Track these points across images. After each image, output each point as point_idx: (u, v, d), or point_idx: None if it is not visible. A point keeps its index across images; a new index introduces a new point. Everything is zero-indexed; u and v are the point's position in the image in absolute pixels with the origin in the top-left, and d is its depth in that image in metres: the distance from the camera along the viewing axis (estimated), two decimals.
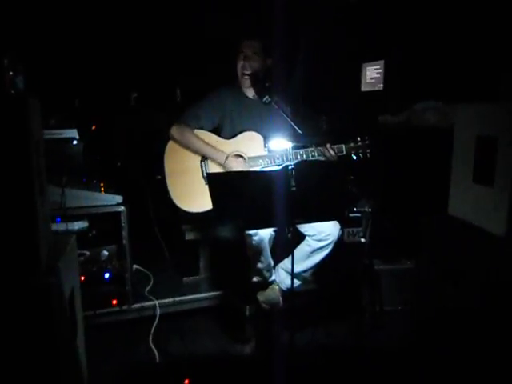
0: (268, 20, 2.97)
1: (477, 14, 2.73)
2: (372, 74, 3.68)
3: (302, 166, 1.79)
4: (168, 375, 2.27)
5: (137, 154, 3.75)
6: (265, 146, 2.62)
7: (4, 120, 1.37)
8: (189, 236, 2.90)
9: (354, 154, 2.52)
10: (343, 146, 2.54)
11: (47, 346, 1.44)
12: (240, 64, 2.67)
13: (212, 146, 2.63)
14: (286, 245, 2.44)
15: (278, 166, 2.54)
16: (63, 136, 2.83)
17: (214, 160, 2.63)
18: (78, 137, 2.89)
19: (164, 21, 3.87)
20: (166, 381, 2.23)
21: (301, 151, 2.53)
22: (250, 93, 2.73)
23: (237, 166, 2.60)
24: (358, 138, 2.55)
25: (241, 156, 2.66)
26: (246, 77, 2.66)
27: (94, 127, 3.76)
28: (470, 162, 1.93)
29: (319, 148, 2.50)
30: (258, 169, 2.59)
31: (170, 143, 2.66)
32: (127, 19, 3.74)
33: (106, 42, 3.72)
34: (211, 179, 1.75)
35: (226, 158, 2.60)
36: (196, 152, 2.64)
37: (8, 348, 1.41)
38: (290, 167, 1.71)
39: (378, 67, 3.60)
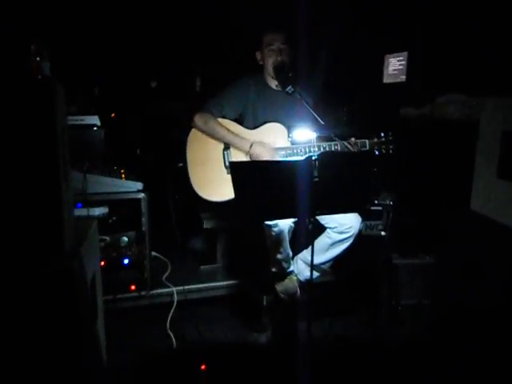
0: (291, 10, 2.95)
1: (505, 3, 2.67)
2: (395, 66, 3.62)
3: (326, 157, 1.77)
4: (184, 360, 2.30)
5: (156, 142, 3.77)
6: (288, 137, 2.61)
7: (32, 104, 1.39)
8: (207, 224, 2.91)
9: (377, 150, 2.50)
10: (367, 141, 2.52)
11: (70, 329, 1.47)
12: (271, 60, 2.64)
13: (236, 134, 2.61)
14: (306, 236, 2.43)
15: (301, 157, 2.52)
16: (85, 122, 2.87)
17: (238, 148, 2.62)
18: (99, 123, 2.92)
19: (184, 9, 3.86)
20: (182, 366, 2.26)
21: (324, 144, 2.51)
22: (273, 83, 2.71)
23: (262, 151, 2.57)
24: (382, 134, 2.52)
25: None
26: (275, 68, 2.63)
27: (113, 115, 3.79)
28: (495, 157, 1.90)
29: (343, 142, 2.48)
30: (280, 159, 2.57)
31: (193, 131, 2.65)
32: (149, 7, 3.74)
33: (127, 30, 3.73)
34: (234, 168, 1.75)
35: (251, 145, 2.58)
36: (220, 140, 2.63)
37: (32, 329, 1.44)
38: (313, 157, 1.71)
39: (402, 58, 3.54)
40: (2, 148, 1.36)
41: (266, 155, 2.57)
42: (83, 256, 1.60)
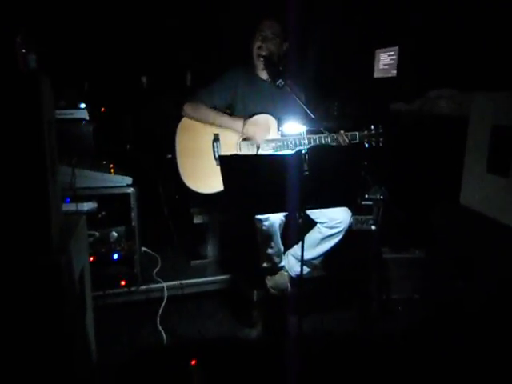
0: (283, 4, 2.93)
1: (495, 1, 2.68)
2: (385, 61, 3.63)
3: (316, 151, 1.76)
4: (175, 356, 2.29)
5: (145, 137, 3.75)
6: (278, 130, 2.60)
7: (17, 98, 1.37)
8: (197, 219, 2.90)
9: (367, 142, 2.50)
10: (357, 133, 2.52)
11: (57, 325, 1.46)
12: (257, 45, 2.61)
13: (228, 116, 2.60)
14: (297, 231, 2.43)
15: (291, 150, 2.52)
16: (74, 116, 2.85)
17: (231, 128, 2.59)
18: (88, 117, 2.89)
19: (175, 4, 3.84)
20: (173, 361, 2.25)
21: (314, 136, 2.50)
22: (264, 75, 2.69)
23: (256, 130, 2.56)
24: (372, 127, 2.52)
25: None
26: (262, 58, 2.60)
27: (103, 109, 3.76)
28: (485, 152, 1.91)
29: (333, 134, 2.47)
30: (270, 152, 2.56)
31: (183, 121, 2.63)
32: (138, 1, 3.71)
33: (117, 24, 3.70)
34: (223, 162, 1.73)
35: (244, 124, 2.56)
36: (211, 123, 2.60)
37: (18, 326, 1.42)
38: (303, 151, 1.70)
39: (392, 53, 3.55)
40: None
41: (260, 133, 2.56)
42: (71, 251, 1.59)
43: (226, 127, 2.60)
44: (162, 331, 2.43)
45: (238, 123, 2.57)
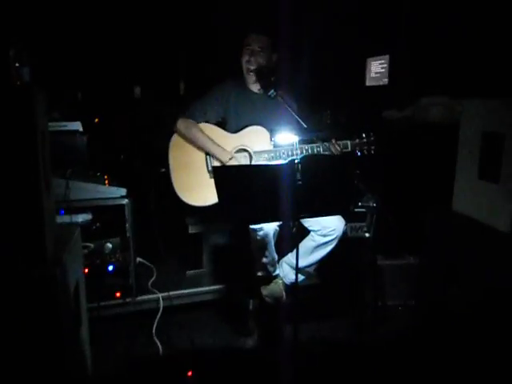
0: (273, 14, 2.97)
1: (484, 7, 2.71)
2: (377, 69, 3.67)
3: (308, 160, 1.77)
4: (171, 367, 2.28)
5: (140, 147, 3.76)
6: (271, 140, 2.62)
7: (10, 111, 1.37)
8: (192, 229, 2.90)
9: (359, 151, 2.52)
10: (348, 142, 2.54)
11: (52, 337, 1.45)
12: (245, 59, 2.64)
13: (217, 144, 2.61)
14: (291, 239, 2.44)
15: (284, 160, 2.53)
16: (67, 128, 2.84)
17: (217, 158, 2.62)
18: (81, 129, 2.89)
19: (168, 14, 3.86)
20: (169, 373, 2.24)
21: (306, 146, 2.53)
22: (255, 87, 2.71)
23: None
24: (363, 135, 2.54)
25: (245, 150, 2.65)
26: (251, 73, 2.64)
27: (96, 120, 3.77)
28: (476, 158, 1.93)
29: (325, 143, 2.50)
30: (263, 163, 2.58)
31: (176, 136, 2.64)
32: (131, 12, 3.73)
33: (110, 34, 3.72)
34: (217, 173, 1.75)
35: (230, 158, 2.60)
36: (200, 148, 2.63)
37: (13, 338, 1.42)
38: (295, 161, 1.71)
39: (383, 62, 3.59)
40: None
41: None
42: (66, 263, 1.58)
43: (213, 155, 2.63)
44: (158, 342, 2.42)
45: (224, 155, 2.60)
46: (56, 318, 1.46)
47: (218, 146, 2.61)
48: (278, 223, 2.41)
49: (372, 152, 2.52)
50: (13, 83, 1.56)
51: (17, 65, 1.58)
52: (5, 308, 1.40)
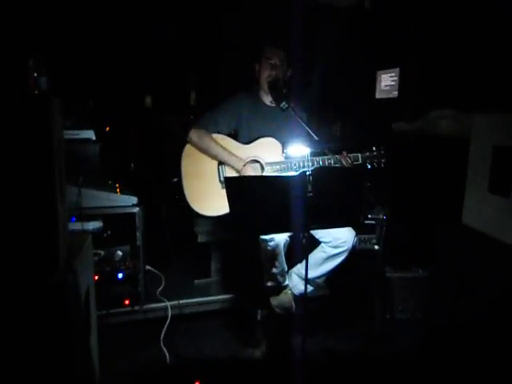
0: (284, 26, 3.00)
1: (495, 22, 2.72)
2: (387, 82, 3.68)
3: (320, 172, 1.78)
4: (178, 376, 2.28)
5: (150, 156, 3.78)
6: (283, 152, 2.63)
7: (28, 119, 1.40)
8: (201, 238, 2.91)
9: (369, 163, 2.54)
10: (359, 155, 2.56)
11: (63, 344, 1.46)
12: (266, 72, 2.66)
13: (230, 152, 2.64)
14: (301, 250, 2.44)
15: (295, 171, 2.55)
16: (80, 137, 2.87)
17: (230, 166, 2.64)
18: (94, 138, 2.93)
19: (179, 25, 3.90)
20: (176, 381, 2.24)
21: (317, 158, 2.55)
22: (267, 99, 2.74)
23: (253, 173, 2.62)
24: (374, 148, 2.56)
25: (257, 161, 2.67)
26: (270, 84, 2.65)
27: (107, 129, 3.80)
28: (486, 172, 1.93)
29: (336, 156, 2.51)
30: (274, 174, 2.60)
31: (188, 146, 2.67)
32: (143, 23, 3.78)
33: (122, 45, 3.76)
34: (229, 183, 1.76)
35: (244, 165, 2.62)
36: (213, 157, 2.65)
37: (25, 344, 1.43)
38: (307, 173, 1.72)
39: (393, 75, 3.60)
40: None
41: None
42: (77, 270, 1.60)
43: (226, 163, 2.65)
44: (166, 351, 2.42)
45: (237, 163, 2.63)
46: (67, 325, 1.47)
47: (232, 153, 2.63)
48: (288, 234, 2.42)
49: (382, 165, 2.53)
50: (31, 92, 1.59)
51: (35, 74, 1.61)
52: (17, 314, 1.41)
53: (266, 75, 2.67)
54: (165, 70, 3.97)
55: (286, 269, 2.57)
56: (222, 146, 2.64)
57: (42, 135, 1.42)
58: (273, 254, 2.42)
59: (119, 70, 3.80)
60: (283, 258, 2.48)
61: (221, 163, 2.66)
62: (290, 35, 2.85)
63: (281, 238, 2.38)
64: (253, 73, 2.76)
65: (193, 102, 4.23)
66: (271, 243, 2.38)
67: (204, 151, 2.65)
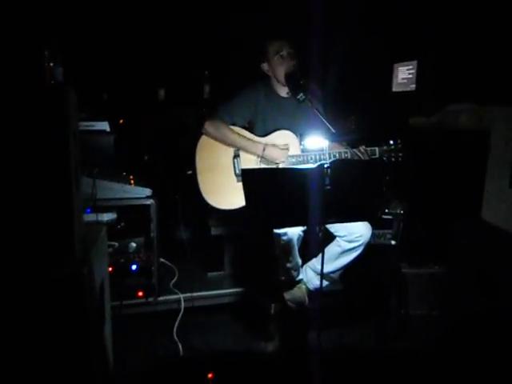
0: (302, 19, 2.96)
1: None
2: (404, 75, 3.62)
3: (338, 165, 1.75)
4: (191, 368, 2.28)
5: (165, 148, 3.78)
6: (300, 145, 2.60)
7: (44, 110, 1.39)
8: (215, 231, 2.90)
9: (387, 157, 2.49)
10: (376, 148, 2.51)
11: (79, 334, 1.47)
12: (283, 67, 2.60)
13: (248, 138, 2.61)
14: (316, 244, 2.42)
15: (312, 164, 2.51)
16: (95, 128, 2.88)
17: (251, 152, 2.60)
18: (109, 129, 2.93)
19: (194, 17, 3.88)
20: (189, 374, 2.24)
21: (334, 152, 2.51)
22: (283, 91, 2.70)
23: (277, 153, 2.57)
24: (391, 142, 2.51)
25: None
26: (288, 76, 2.59)
27: (121, 121, 3.80)
28: (507, 167, 1.89)
29: (353, 150, 2.48)
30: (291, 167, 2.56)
31: (202, 139, 2.64)
32: (158, 15, 3.76)
33: (136, 37, 3.75)
34: (245, 175, 1.74)
35: (264, 148, 2.57)
36: (232, 145, 2.62)
37: (42, 333, 1.44)
38: (325, 165, 1.70)
39: (411, 67, 3.54)
40: (16, 153, 1.36)
41: (280, 157, 2.57)
42: (92, 261, 1.60)
43: (245, 151, 2.62)
44: (179, 343, 2.42)
45: (258, 147, 2.58)
46: (83, 315, 1.47)
47: (249, 139, 2.60)
48: (302, 228, 2.40)
49: (399, 159, 2.49)
50: (47, 83, 1.58)
51: (51, 65, 1.60)
52: (34, 304, 1.42)
53: (282, 69, 2.61)
54: (178, 62, 3.96)
55: (300, 263, 2.55)
56: (239, 134, 2.61)
57: (58, 126, 1.41)
58: (286, 247, 2.41)
59: (133, 62, 3.80)
60: (297, 253, 2.46)
61: (236, 156, 2.63)
62: (306, 27, 2.81)
63: (294, 233, 2.36)
64: (260, 72, 2.71)
65: (206, 95, 4.21)
66: (284, 237, 2.36)
67: (221, 140, 2.62)
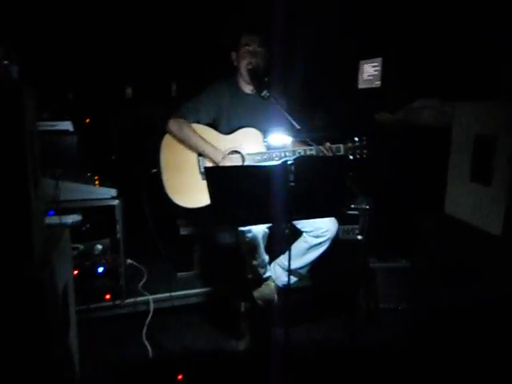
0: (266, 15, 2.96)
1: (475, 10, 2.72)
2: (369, 72, 3.67)
3: (301, 161, 1.76)
4: (161, 370, 2.25)
5: (131, 148, 3.73)
6: (264, 142, 2.60)
7: None
8: (183, 231, 2.87)
9: (351, 154, 2.51)
10: (341, 145, 2.53)
11: (39, 341, 1.43)
12: (245, 60, 2.60)
13: (209, 143, 2.58)
14: (283, 241, 2.42)
15: (277, 162, 2.51)
16: (57, 128, 2.81)
17: (209, 158, 2.59)
18: (72, 129, 2.86)
19: (160, 15, 3.84)
20: (158, 376, 2.21)
21: (299, 149, 2.52)
22: (248, 88, 2.69)
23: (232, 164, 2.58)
24: (356, 139, 2.53)
25: (238, 152, 2.63)
26: (251, 72, 2.60)
27: (87, 120, 3.74)
28: (468, 161, 1.93)
29: (318, 147, 2.48)
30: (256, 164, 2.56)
31: (167, 137, 2.60)
32: (124, 13, 3.71)
33: (102, 35, 3.69)
34: (209, 173, 1.72)
35: (223, 157, 2.56)
36: (193, 148, 2.60)
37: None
38: (288, 162, 1.70)
39: (376, 64, 3.59)
40: None
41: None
42: (54, 265, 1.56)
43: (206, 155, 2.59)
44: (148, 345, 2.39)
45: (217, 155, 2.56)
46: (43, 321, 1.43)
47: (211, 145, 2.59)
48: (267, 225, 2.40)
49: (364, 156, 2.51)
50: (0, 80, 1.52)
51: (5, 62, 1.54)
52: None
53: (245, 63, 2.61)
54: (145, 61, 3.92)
55: (267, 260, 2.55)
56: (201, 137, 2.58)
57: (12, 126, 1.37)
58: (251, 245, 2.40)
59: (100, 61, 3.73)
60: (263, 250, 2.46)
61: (201, 154, 2.61)
62: (270, 22, 2.80)
63: (258, 230, 2.35)
64: (230, 62, 2.70)
65: (174, 93, 4.18)
66: (249, 235, 2.35)
67: (183, 141, 2.59)
